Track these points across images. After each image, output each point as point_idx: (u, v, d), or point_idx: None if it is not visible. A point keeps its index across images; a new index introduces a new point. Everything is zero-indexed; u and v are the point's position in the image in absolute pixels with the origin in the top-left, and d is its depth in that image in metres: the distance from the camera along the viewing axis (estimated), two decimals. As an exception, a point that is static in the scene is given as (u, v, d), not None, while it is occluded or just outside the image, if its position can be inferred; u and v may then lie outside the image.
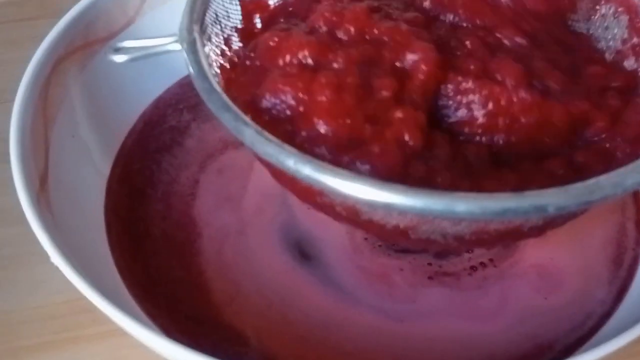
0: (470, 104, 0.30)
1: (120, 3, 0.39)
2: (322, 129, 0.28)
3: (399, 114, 0.28)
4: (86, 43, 0.38)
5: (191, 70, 0.30)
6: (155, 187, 0.38)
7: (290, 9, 0.34)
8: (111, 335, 0.34)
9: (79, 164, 0.36)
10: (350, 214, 0.30)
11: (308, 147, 0.28)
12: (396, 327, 0.34)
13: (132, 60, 0.32)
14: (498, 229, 0.29)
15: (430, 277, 0.35)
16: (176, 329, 0.33)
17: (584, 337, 0.34)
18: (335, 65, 0.30)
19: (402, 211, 0.27)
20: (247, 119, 0.28)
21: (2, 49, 0.43)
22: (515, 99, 0.29)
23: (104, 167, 0.38)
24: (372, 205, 0.27)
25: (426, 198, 0.25)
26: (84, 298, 0.30)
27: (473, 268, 0.36)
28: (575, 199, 0.26)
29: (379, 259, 0.36)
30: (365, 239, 0.37)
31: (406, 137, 0.28)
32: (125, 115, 0.40)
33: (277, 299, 0.34)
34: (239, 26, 0.34)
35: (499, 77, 0.30)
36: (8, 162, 0.33)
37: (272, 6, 0.35)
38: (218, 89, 0.29)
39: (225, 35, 0.34)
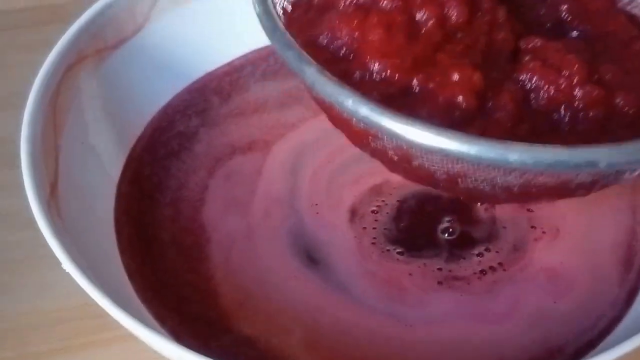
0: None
1: (128, 10, 0.39)
2: (375, 67, 0.29)
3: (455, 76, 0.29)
4: (96, 50, 0.38)
5: (256, 8, 0.31)
6: (164, 193, 0.38)
7: None
8: (122, 341, 0.34)
9: (88, 169, 0.37)
10: (403, 160, 0.30)
11: (361, 88, 0.29)
12: (406, 331, 0.34)
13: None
14: (547, 183, 0.29)
15: (440, 282, 0.35)
16: (185, 332, 0.33)
17: (594, 340, 0.34)
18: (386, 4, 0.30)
19: (457, 157, 0.28)
20: (309, 58, 0.29)
21: (15, 53, 0.44)
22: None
23: (114, 173, 0.38)
24: (428, 149, 0.27)
25: (480, 145, 0.26)
26: (94, 303, 0.30)
27: (483, 272, 0.36)
28: (628, 157, 0.26)
29: (387, 264, 0.36)
30: (373, 243, 0.37)
31: (459, 99, 0.29)
32: (134, 122, 0.40)
33: (285, 303, 0.35)
34: None
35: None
36: (18, 166, 0.33)
37: None
38: (282, 27, 0.30)
39: None
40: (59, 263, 0.30)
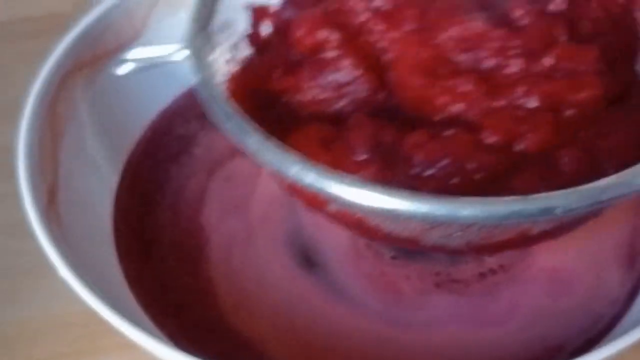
0: None
1: (127, 16, 0.40)
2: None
3: None
4: (94, 57, 0.38)
5: (196, 77, 0.30)
6: (163, 195, 0.39)
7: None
8: (128, 347, 0.34)
9: (87, 176, 0.37)
10: (358, 223, 0.30)
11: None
12: (404, 333, 0.34)
13: (136, 71, 0.33)
14: (506, 233, 0.29)
15: (437, 285, 0.35)
16: (184, 335, 0.34)
17: (594, 339, 0.34)
18: None
19: (407, 217, 0.27)
20: (251, 127, 0.28)
21: (15, 62, 0.44)
22: None
23: (112, 178, 0.38)
24: (376, 211, 0.27)
25: (431, 203, 0.25)
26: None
27: (482, 275, 0.36)
28: (584, 201, 0.26)
29: (384, 267, 0.36)
30: (368, 245, 0.37)
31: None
32: (133, 127, 0.40)
33: (283, 306, 0.35)
34: (249, 32, 0.34)
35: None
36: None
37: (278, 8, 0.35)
38: (222, 98, 0.29)
39: (233, 42, 0.34)
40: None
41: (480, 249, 0.31)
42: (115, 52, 0.39)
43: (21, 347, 0.36)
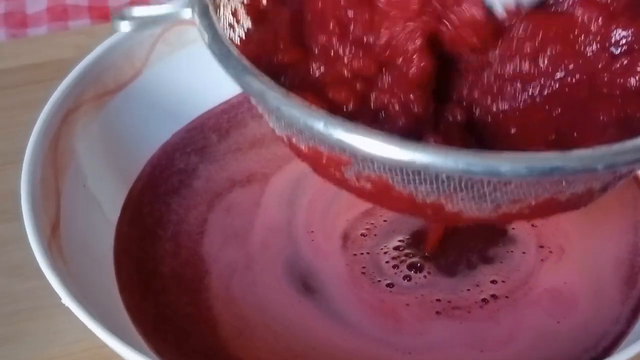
0: None
1: (127, 56, 0.41)
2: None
3: None
4: (95, 95, 0.40)
5: (205, 35, 0.29)
6: (164, 228, 0.39)
7: None
8: None
9: (89, 210, 0.38)
10: (378, 190, 0.29)
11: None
12: (404, 359, 0.34)
13: (138, 28, 0.31)
14: (539, 196, 0.28)
15: (438, 312, 0.35)
16: (185, 365, 0.34)
17: (598, 358, 0.34)
18: None
19: (444, 172, 0.26)
20: (271, 81, 0.27)
21: (19, 110, 0.44)
22: None
23: (114, 214, 0.39)
24: (411, 165, 0.25)
25: (467, 158, 0.24)
26: (102, 346, 0.31)
27: (484, 300, 0.36)
28: (625, 157, 0.25)
29: (381, 294, 0.36)
30: (363, 273, 0.37)
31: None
32: (133, 162, 0.41)
33: (283, 332, 0.35)
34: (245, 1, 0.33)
35: None
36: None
37: None
38: (235, 52, 0.28)
39: (233, 9, 0.32)
40: (66, 310, 0.31)
41: (507, 217, 0.30)
42: (116, 91, 0.41)
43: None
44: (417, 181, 0.27)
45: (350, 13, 0.30)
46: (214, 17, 0.29)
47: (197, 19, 0.29)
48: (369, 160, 0.27)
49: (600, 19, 0.29)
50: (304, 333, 0.35)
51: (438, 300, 0.36)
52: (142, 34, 0.41)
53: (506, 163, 0.25)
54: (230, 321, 0.35)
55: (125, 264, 0.37)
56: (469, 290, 0.36)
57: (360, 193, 0.30)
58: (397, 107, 0.29)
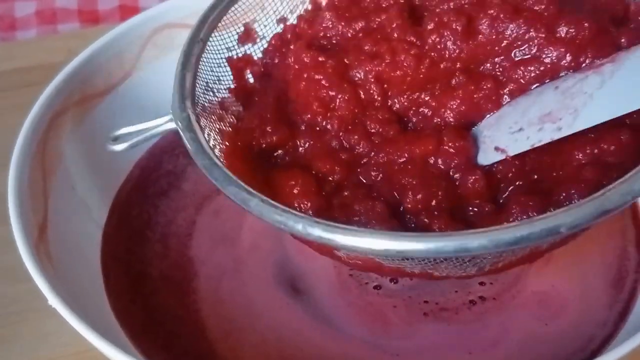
0: None
1: (116, 58, 0.41)
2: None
3: None
4: (83, 97, 0.39)
5: (189, 147, 0.31)
6: (153, 230, 0.39)
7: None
8: None
9: (77, 212, 0.38)
10: (371, 264, 0.31)
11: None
12: (392, 361, 0.34)
13: (132, 147, 0.33)
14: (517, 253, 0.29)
15: (426, 314, 0.35)
16: (173, 367, 0.34)
17: (586, 360, 0.34)
18: None
19: (416, 257, 0.28)
20: (251, 190, 0.29)
21: (8, 114, 0.44)
22: None
23: (101, 214, 0.39)
24: (386, 253, 0.27)
25: (437, 241, 0.26)
26: (91, 349, 0.31)
27: (472, 302, 0.36)
28: (587, 217, 0.26)
29: (368, 297, 0.36)
30: (350, 275, 0.37)
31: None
32: (122, 164, 0.41)
33: (271, 334, 0.35)
34: (232, 86, 0.35)
35: None
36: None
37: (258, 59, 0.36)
38: (219, 163, 0.30)
39: (219, 99, 0.34)
40: (54, 313, 0.31)
41: (494, 272, 0.31)
42: (105, 93, 0.41)
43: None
44: (401, 259, 0.29)
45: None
46: (197, 128, 0.31)
47: (181, 132, 0.31)
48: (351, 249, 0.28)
49: None
50: (292, 335, 0.35)
51: (426, 302, 0.36)
52: (131, 36, 0.41)
53: (473, 240, 0.26)
54: (219, 323, 0.35)
55: (113, 266, 0.37)
56: (456, 291, 0.36)
57: (354, 265, 0.32)
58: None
